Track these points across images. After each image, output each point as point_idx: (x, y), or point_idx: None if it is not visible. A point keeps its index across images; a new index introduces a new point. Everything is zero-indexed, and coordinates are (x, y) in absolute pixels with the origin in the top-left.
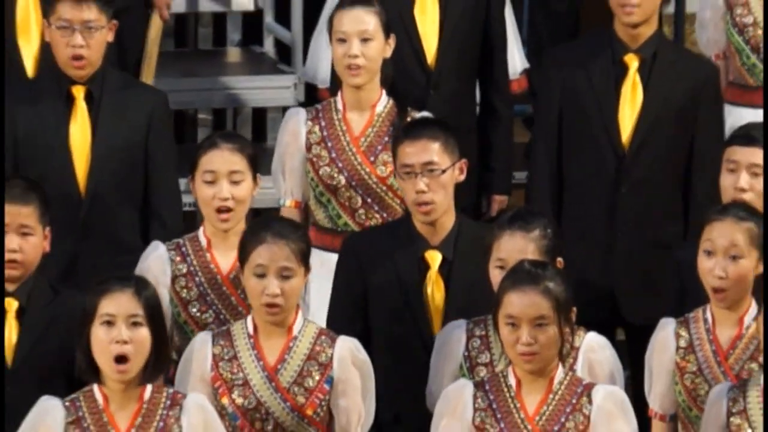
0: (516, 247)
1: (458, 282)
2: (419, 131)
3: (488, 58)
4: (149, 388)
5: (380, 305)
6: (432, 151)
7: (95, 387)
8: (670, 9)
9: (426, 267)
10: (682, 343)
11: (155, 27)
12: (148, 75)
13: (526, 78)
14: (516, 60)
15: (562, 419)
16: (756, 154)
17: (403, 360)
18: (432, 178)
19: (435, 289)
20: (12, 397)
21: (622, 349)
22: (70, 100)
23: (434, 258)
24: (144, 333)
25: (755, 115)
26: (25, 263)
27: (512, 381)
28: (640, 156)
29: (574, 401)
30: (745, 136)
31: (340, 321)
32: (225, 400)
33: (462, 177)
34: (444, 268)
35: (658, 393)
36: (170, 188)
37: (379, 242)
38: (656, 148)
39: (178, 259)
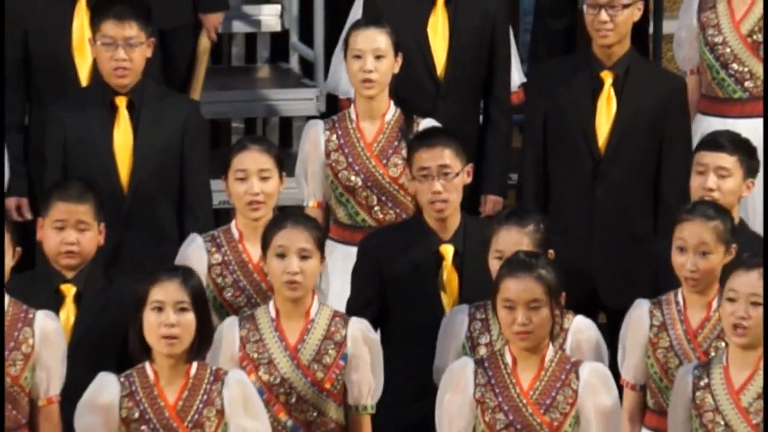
0: (512, 240)
1: (470, 271)
2: (434, 139)
3: (492, 76)
4: (195, 365)
5: (399, 296)
6: (446, 156)
7: (147, 364)
8: (651, 29)
9: (440, 259)
10: (656, 322)
11: (204, 46)
12: (196, 88)
13: (523, 91)
14: (515, 75)
15: (553, 393)
16: (722, 158)
17: (421, 343)
18: (446, 180)
19: (450, 279)
20: (69, 374)
21: (603, 331)
22: (113, 109)
23: (448, 251)
24: (189, 317)
25: (723, 124)
26: (81, 254)
27: (509, 359)
28: (614, 160)
29: (563, 377)
30: (713, 141)
31: (358, 313)
32: (252, 378)
33: (469, 179)
34: (456, 260)
35: (630, 365)
36: (202, 187)
37: (395, 239)
38: (628, 153)
39: (214, 249)
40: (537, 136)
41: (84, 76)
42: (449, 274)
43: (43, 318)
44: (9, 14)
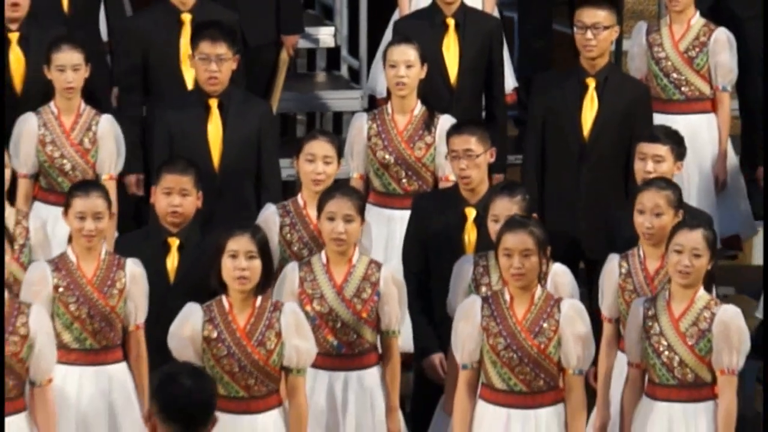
0: (504, 207)
1: (485, 230)
2: (463, 128)
3: (491, 82)
4: (259, 298)
5: (434, 243)
6: (470, 142)
7: (223, 297)
8: (613, 47)
9: (465, 219)
10: (623, 271)
11: (284, 59)
12: (276, 92)
13: (515, 93)
14: (509, 81)
15: (541, 322)
16: (657, 148)
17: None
18: (469, 160)
19: (470, 234)
20: (171, 309)
21: (582, 275)
22: (207, 109)
23: (471, 213)
24: (257, 263)
25: (665, 119)
26: (183, 215)
27: (507, 296)
28: (595, 146)
29: (548, 310)
30: (650, 135)
31: (410, 254)
32: (308, 308)
33: (492, 159)
34: (477, 220)
35: (606, 304)
36: (274, 167)
37: (436, 201)
38: (606, 141)
39: (284, 214)
40: (537, 127)
41: (190, 82)
42: (469, 231)
43: (131, 264)
44: (131, 34)
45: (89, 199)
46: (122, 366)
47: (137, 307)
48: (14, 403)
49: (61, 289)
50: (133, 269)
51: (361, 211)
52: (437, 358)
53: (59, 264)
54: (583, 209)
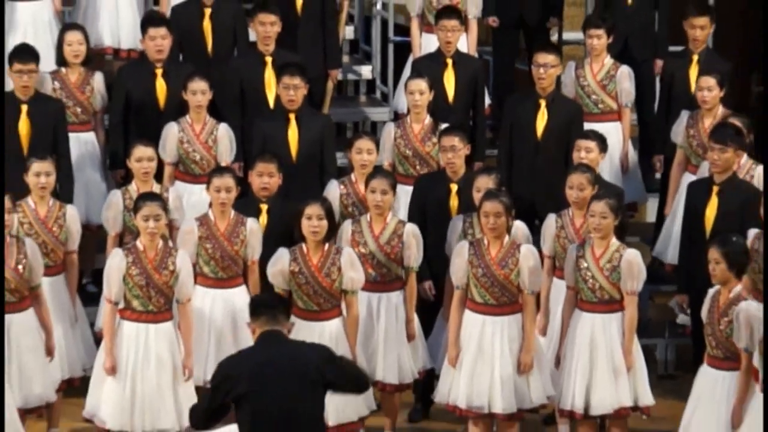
0: (484, 183)
1: (465, 200)
2: (449, 131)
3: (475, 101)
4: (327, 245)
5: (430, 209)
6: (454, 140)
7: (303, 244)
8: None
9: (450, 192)
10: (558, 225)
11: (329, 87)
12: (325, 108)
13: (491, 109)
14: (486, 100)
15: (507, 259)
16: (588, 143)
17: (441, 236)
18: (454, 153)
19: (454, 201)
20: (265, 250)
21: (537, 228)
22: (287, 120)
23: (454, 188)
24: (324, 222)
25: (589, 126)
26: (270, 190)
27: (485, 242)
28: (545, 144)
29: (512, 251)
30: (584, 134)
31: (414, 215)
32: (356, 250)
33: (468, 152)
34: (458, 193)
35: (547, 247)
36: (332, 159)
37: (431, 180)
38: (553, 141)
39: (342, 188)
40: (506, 131)
41: (271, 101)
42: (453, 199)
43: (251, 221)
44: (233, 71)
45: (222, 178)
46: (242, 288)
47: (253, 250)
48: (164, 315)
49: (203, 238)
50: (252, 225)
51: (394, 187)
52: (427, 284)
53: (203, 221)
54: (536, 185)
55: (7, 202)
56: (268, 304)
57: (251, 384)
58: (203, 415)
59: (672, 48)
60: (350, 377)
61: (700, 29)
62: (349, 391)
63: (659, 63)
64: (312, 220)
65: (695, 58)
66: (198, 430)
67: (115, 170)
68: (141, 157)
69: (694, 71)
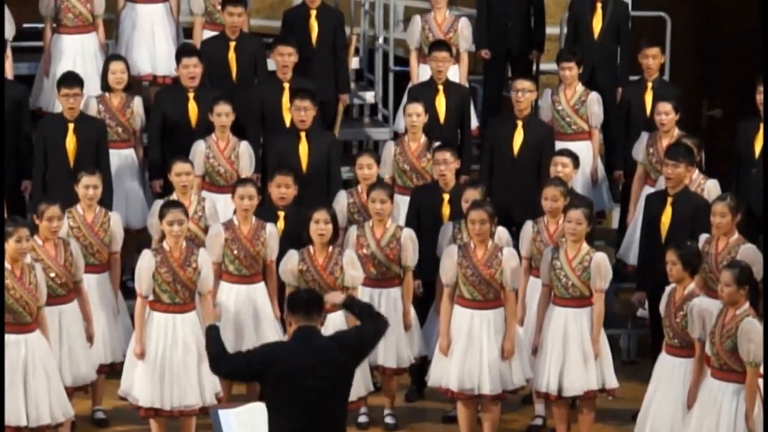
0: (471, 195)
1: (456, 208)
2: (442, 148)
3: (463, 123)
4: (331, 247)
5: (424, 216)
6: (446, 155)
7: (310, 246)
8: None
9: (442, 201)
10: (535, 231)
11: (341, 108)
12: (336, 128)
13: (477, 129)
14: (474, 121)
15: (492, 260)
16: (563, 159)
17: (433, 241)
18: (446, 166)
19: (446, 209)
20: (282, 253)
21: (516, 233)
22: (299, 138)
23: (446, 197)
24: (330, 227)
25: (563, 145)
26: (286, 199)
27: (472, 245)
28: (520, 160)
29: (496, 254)
30: (561, 151)
31: (410, 222)
32: (360, 251)
33: (458, 166)
34: (450, 202)
35: (524, 248)
36: (338, 172)
37: (425, 191)
38: (527, 158)
39: (350, 197)
40: (488, 148)
41: (287, 121)
42: (445, 208)
43: (270, 226)
44: (253, 96)
45: (246, 188)
46: (262, 285)
47: (272, 251)
48: (189, 306)
49: (228, 240)
50: (271, 229)
51: (391, 197)
52: (416, 283)
53: (228, 225)
54: (514, 195)
55: (57, 210)
56: (305, 302)
57: (291, 366)
58: (229, 368)
59: (631, 77)
60: (368, 323)
61: (653, 58)
62: (375, 333)
63: (620, 90)
64: (319, 224)
65: (649, 85)
66: (218, 376)
67: (154, 180)
68: (180, 172)
69: (649, 97)
